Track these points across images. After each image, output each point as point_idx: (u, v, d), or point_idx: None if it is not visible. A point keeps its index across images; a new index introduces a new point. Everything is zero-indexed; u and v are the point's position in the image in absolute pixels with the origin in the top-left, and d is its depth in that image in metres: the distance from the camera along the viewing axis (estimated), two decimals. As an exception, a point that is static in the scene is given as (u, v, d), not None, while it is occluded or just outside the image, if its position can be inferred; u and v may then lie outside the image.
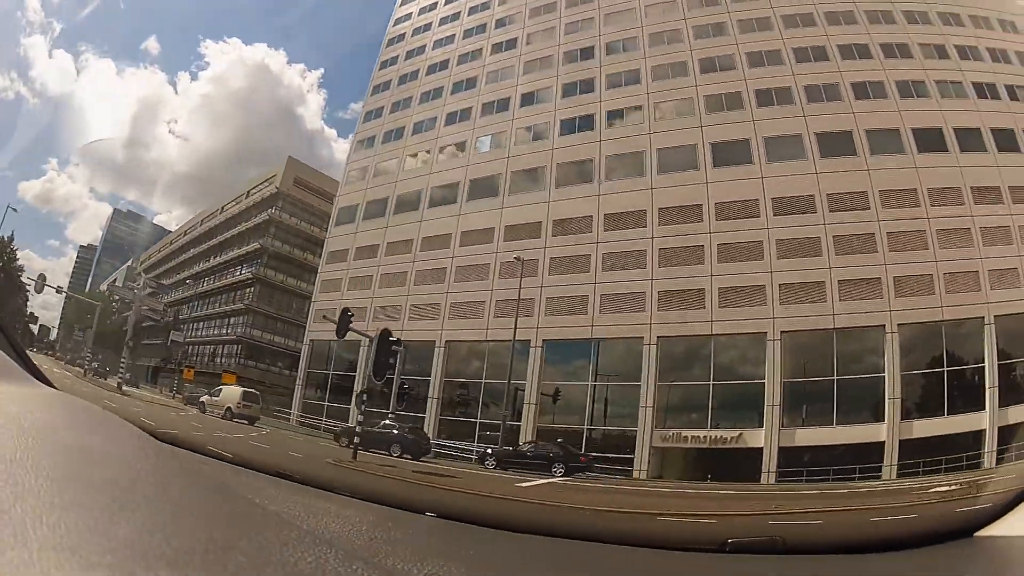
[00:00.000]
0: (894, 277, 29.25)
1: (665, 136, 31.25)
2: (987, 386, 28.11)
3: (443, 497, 8.91)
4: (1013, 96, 31.65)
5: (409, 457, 19.78)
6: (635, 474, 27.27)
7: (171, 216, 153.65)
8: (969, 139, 30.79)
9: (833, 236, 29.53)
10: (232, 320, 40.78)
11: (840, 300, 28.17)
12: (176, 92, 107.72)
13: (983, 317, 28.34)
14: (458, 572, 1.34)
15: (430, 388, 31.12)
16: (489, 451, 22.69)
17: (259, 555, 0.96)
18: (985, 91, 31.30)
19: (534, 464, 20.06)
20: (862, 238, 29.61)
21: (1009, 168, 29.78)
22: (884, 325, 29.53)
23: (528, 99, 33.77)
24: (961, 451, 26.16)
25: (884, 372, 27.79)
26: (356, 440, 16.30)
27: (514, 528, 2.27)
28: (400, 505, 2.34)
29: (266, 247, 39.54)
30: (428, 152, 34.81)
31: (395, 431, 21.38)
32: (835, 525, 7.32)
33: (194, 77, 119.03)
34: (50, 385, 1.93)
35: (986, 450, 28.37)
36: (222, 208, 44.31)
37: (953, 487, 13.21)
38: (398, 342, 26.40)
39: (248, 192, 42.07)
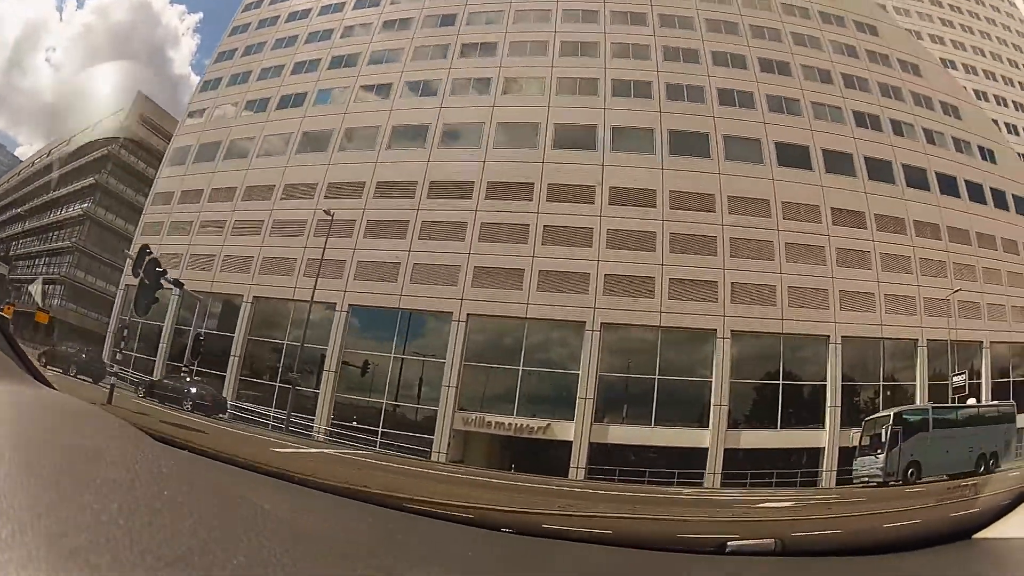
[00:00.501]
0: (732, 283, 29.02)
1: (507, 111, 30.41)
2: (828, 405, 28.58)
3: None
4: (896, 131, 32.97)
5: (202, 414, 19.13)
6: (434, 456, 26.18)
7: (30, 148, 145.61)
8: (839, 162, 31.39)
9: (670, 233, 29.08)
10: (58, 259, 38.10)
11: (668, 298, 27.67)
12: (61, 19, 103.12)
13: (828, 336, 28.79)
14: (455, 573, 1.38)
15: (233, 345, 29.31)
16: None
17: (257, 555, 0.97)
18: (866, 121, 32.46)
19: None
20: (701, 240, 29.35)
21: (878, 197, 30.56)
22: (716, 329, 29.46)
23: (377, 58, 32.42)
24: (794, 467, 26.39)
25: (712, 378, 27.62)
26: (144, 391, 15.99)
27: (513, 529, 2.20)
28: (400, 507, 2.24)
29: (101, 183, 37.11)
30: (268, 100, 33.04)
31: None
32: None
33: (80, 5, 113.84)
34: (48, 385, 1.84)
35: (824, 469, 28.97)
36: (69, 140, 41.60)
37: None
38: (176, 282, 24.54)
39: (93, 125, 39.45)
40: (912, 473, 18.70)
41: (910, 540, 1.87)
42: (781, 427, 28.36)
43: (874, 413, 23.88)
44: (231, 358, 29.13)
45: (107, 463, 1.32)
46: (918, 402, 26.40)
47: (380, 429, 26.65)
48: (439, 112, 30.45)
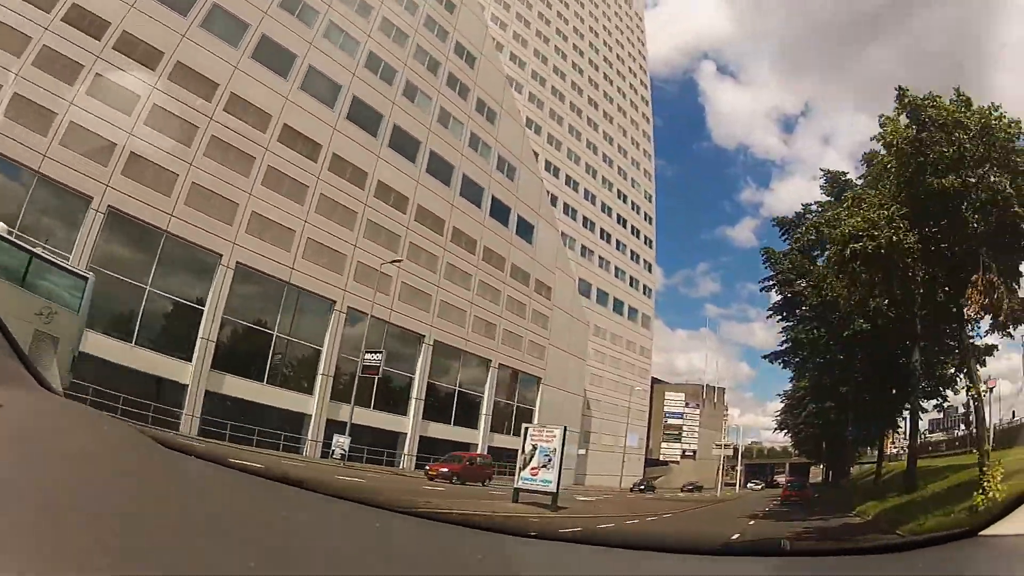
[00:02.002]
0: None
1: None
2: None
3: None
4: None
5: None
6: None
7: None
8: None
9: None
10: None
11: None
12: None
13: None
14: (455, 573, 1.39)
15: None
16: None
17: (267, 562, 0.96)
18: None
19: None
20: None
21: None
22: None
23: None
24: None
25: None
26: None
27: (509, 531, 2.17)
28: (411, 511, 2.14)
29: None
30: None
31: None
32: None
33: None
34: (53, 391, 1.73)
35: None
36: None
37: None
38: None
39: None
40: None
41: (916, 539, 1.88)
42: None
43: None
44: None
45: (114, 470, 1.34)
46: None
47: None
48: None
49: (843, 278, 21.03)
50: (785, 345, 35.90)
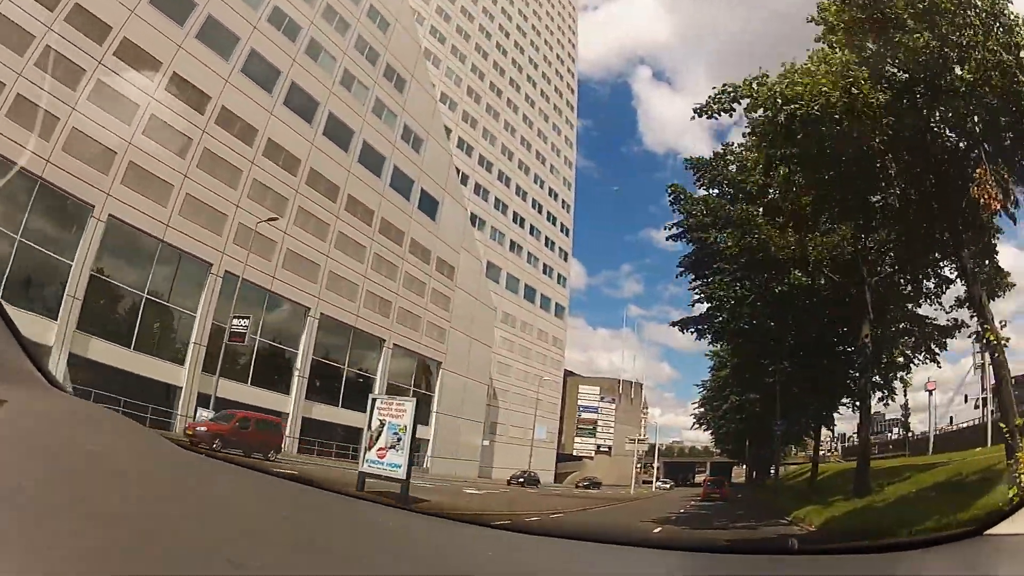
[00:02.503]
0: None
1: None
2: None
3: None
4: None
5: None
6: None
7: None
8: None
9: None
10: None
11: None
12: None
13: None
14: (460, 572, 1.39)
15: None
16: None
17: (274, 559, 0.98)
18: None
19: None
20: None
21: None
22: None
23: None
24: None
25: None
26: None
27: (517, 529, 2.28)
28: (418, 509, 2.31)
29: None
30: None
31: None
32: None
33: None
34: (61, 388, 1.80)
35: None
36: None
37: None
38: None
39: None
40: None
41: (922, 538, 1.84)
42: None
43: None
44: None
45: (122, 466, 1.33)
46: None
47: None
48: None
49: (773, 172, 15.87)
50: (699, 307, 27.37)
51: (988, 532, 1.72)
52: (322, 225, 35.17)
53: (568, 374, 70.03)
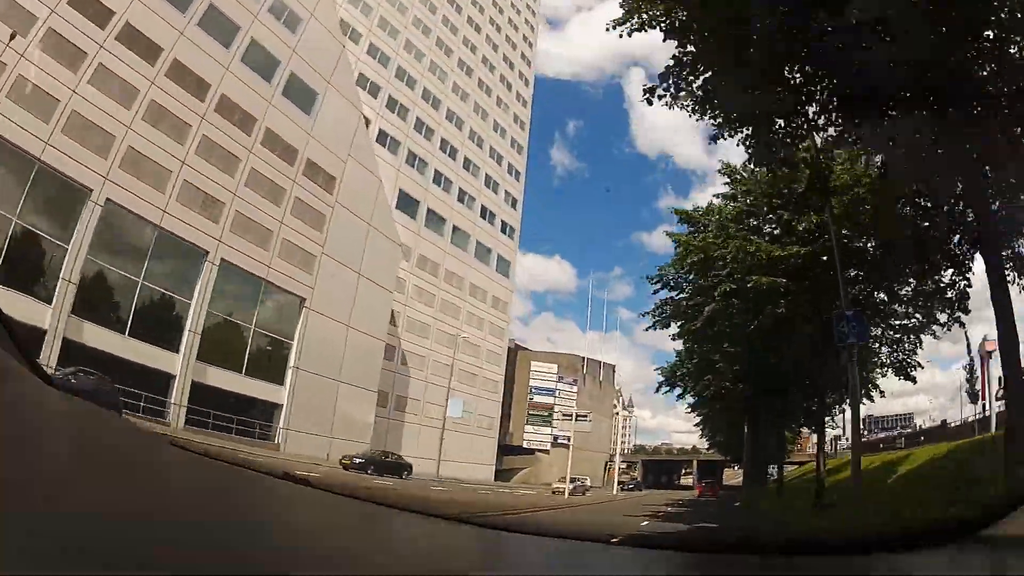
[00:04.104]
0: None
1: None
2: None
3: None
4: None
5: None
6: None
7: None
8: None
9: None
10: None
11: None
12: None
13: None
14: (462, 572, 1.39)
15: None
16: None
17: (273, 562, 0.97)
18: None
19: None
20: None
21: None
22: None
23: None
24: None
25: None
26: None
27: (512, 528, 2.17)
28: (423, 510, 2.11)
29: None
30: None
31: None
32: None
33: None
34: (56, 387, 1.68)
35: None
36: None
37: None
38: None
39: None
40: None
41: (917, 536, 1.78)
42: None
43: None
44: None
45: (117, 466, 1.30)
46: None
47: None
48: None
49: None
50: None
51: (983, 532, 1.68)
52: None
53: (518, 348, 58.41)
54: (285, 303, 31.33)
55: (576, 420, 39.51)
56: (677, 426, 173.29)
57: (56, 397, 1.62)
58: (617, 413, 73.89)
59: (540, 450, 57.49)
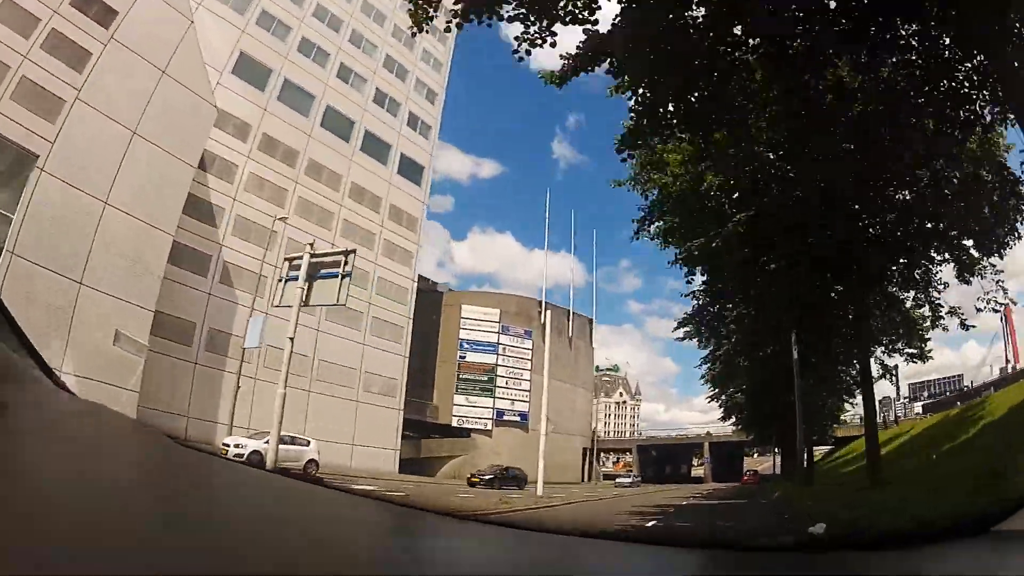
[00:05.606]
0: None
1: None
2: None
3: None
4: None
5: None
6: None
7: None
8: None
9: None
10: None
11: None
12: None
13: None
14: (463, 570, 1.40)
15: None
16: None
17: (281, 562, 0.98)
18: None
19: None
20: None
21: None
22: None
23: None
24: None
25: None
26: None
27: (521, 526, 2.14)
28: (425, 507, 2.19)
29: None
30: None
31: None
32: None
33: None
34: (65, 389, 1.70)
35: None
36: None
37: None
38: None
39: None
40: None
41: (926, 534, 1.85)
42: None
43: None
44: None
45: (128, 469, 1.32)
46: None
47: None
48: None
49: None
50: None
51: (994, 529, 1.70)
52: None
53: (443, 288, 45.67)
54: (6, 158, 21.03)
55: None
56: (692, 419, 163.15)
57: (62, 396, 1.55)
58: (625, 402, 61.73)
59: (478, 430, 44.02)
